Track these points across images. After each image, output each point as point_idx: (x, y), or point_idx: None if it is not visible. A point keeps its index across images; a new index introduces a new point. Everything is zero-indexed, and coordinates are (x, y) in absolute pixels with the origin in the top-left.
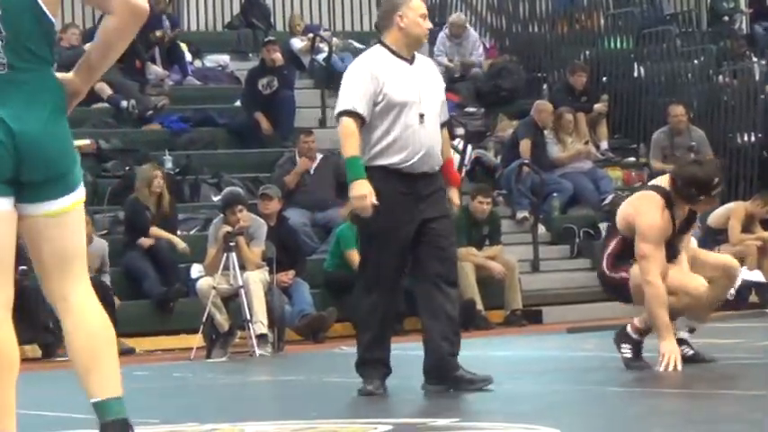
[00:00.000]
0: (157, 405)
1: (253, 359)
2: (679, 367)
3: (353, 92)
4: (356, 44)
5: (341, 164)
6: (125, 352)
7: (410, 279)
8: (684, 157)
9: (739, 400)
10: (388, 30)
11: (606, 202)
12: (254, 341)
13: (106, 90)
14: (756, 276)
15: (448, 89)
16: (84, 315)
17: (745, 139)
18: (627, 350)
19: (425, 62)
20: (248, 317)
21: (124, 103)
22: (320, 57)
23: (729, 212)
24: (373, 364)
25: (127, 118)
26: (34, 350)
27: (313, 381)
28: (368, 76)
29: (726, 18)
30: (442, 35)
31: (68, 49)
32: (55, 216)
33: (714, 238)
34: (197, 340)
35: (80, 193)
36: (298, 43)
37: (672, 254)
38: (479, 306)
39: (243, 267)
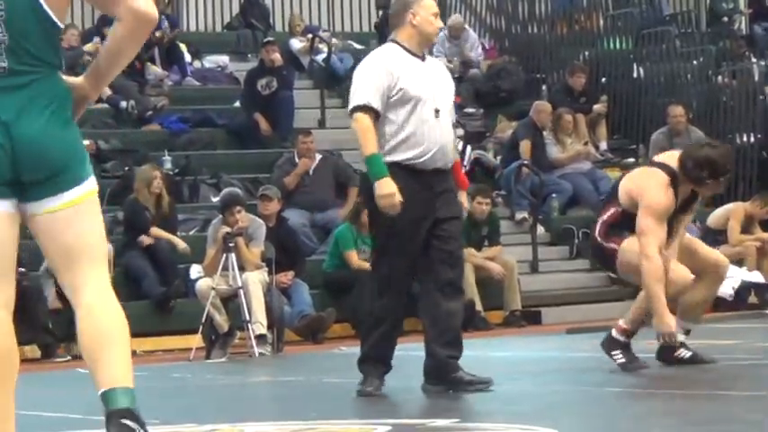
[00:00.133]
0: (157, 405)
1: (252, 360)
2: (680, 338)
3: (367, 86)
4: (355, 45)
5: (340, 164)
6: None
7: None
8: (698, 141)
9: (739, 401)
10: (400, 28)
11: None
12: (254, 342)
13: (105, 90)
14: (756, 277)
15: None
16: (93, 308)
17: (745, 139)
18: (618, 355)
19: (436, 62)
20: (247, 317)
21: (123, 104)
22: (319, 57)
23: (729, 213)
24: (376, 362)
25: (126, 118)
26: (33, 350)
27: (312, 381)
28: (382, 70)
29: (725, 18)
30: (441, 36)
31: (68, 50)
32: (54, 212)
33: (714, 238)
34: (196, 341)
35: (83, 189)
36: (297, 44)
37: (668, 234)
38: (478, 307)
39: (242, 268)
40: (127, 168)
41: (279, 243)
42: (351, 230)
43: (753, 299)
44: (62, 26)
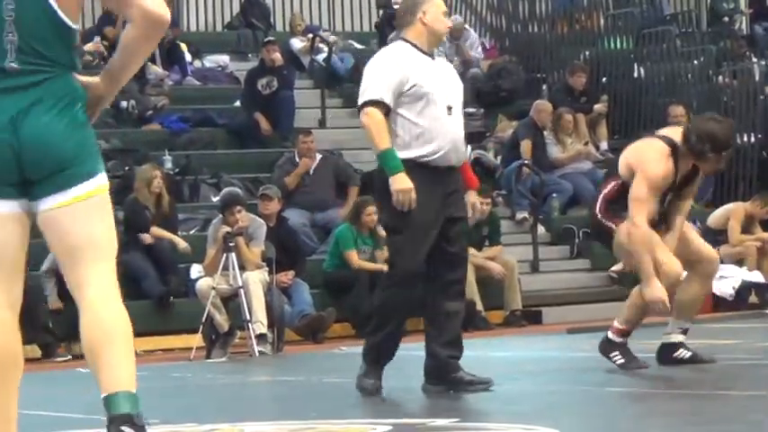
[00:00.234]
0: (157, 405)
1: (252, 359)
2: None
3: (379, 82)
4: (356, 44)
5: (340, 164)
6: None
7: None
8: (703, 115)
9: (739, 401)
10: (410, 26)
11: None
12: (254, 341)
13: None
14: (756, 277)
15: None
16: (94, 307)
17: (745, 139)
18: (617, 356)
19: (444, 61)
20: (248, 317)
21: (124, 104)
22: (320, 57)
23: (729, 213)
24: (381, 355)
25: (126, 118)
26: (34, 350)
27: (312, 381)
28: (394, 66)
29: (726, 18)
30: None
31: None
32: (61, 208)
33: (714, 238)
34: (196, 340)
35: (92, 185)
36: (297, 43)
37: (666, 218)
38: (479, 306)
39: (242, 268)
40: (127, 168)
41: (279, 243)
42: (351, 230)
43: (753, 299)
44: (75, 27)
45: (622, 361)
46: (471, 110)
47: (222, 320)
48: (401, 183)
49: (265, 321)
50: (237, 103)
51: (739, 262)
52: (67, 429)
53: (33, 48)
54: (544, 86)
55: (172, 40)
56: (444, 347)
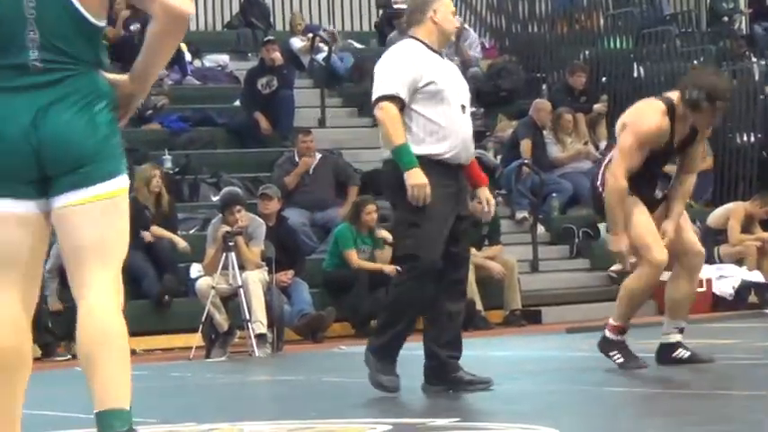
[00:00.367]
0: (156, 405)
1: (252, 359)
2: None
3: (393, 78)
4: (356, 44)
5: (340, 164)
6: None
7: None
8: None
9: (739, 401)
10: (419, 25)
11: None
12: (254, 341)
13: None
14: (756, 277)
15: None
16: (94, 309)
17: (745, 139)
18: (617, 356)
19: (449, 61)
20: (247, 316)
21: None
22: (320, 56)
23: (729, 213)
24: (392, 353)
25: None
26: (34, 350)
27: (312, 380)
28: (408, 62)
29: (725, 18)
30: None
31: None
32: (75, 206)
33: (714, 238)
34: (196, 340)
35: (110, 186)
36: (297, 43)
37: (669, 198)
38: (479, 306)
39: (242, 267)
40: (127, 168)
41: (279, 242)
42: (350, 230)
43: (753, 298)
44: (100, 24)
45: (622, 360)
46: (471, 109)
47: (222, 320)
48: (416, 178)
49: (265, 321)
50: (237, 103)
51: (739, 262)
52: (67, 429)
53: (55, 45)
54: (544, 86)
55: None
56: (444, 347)
